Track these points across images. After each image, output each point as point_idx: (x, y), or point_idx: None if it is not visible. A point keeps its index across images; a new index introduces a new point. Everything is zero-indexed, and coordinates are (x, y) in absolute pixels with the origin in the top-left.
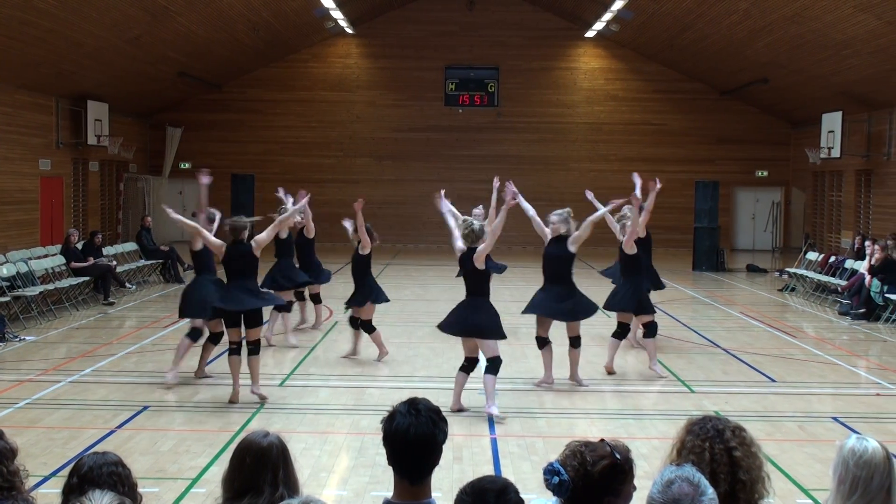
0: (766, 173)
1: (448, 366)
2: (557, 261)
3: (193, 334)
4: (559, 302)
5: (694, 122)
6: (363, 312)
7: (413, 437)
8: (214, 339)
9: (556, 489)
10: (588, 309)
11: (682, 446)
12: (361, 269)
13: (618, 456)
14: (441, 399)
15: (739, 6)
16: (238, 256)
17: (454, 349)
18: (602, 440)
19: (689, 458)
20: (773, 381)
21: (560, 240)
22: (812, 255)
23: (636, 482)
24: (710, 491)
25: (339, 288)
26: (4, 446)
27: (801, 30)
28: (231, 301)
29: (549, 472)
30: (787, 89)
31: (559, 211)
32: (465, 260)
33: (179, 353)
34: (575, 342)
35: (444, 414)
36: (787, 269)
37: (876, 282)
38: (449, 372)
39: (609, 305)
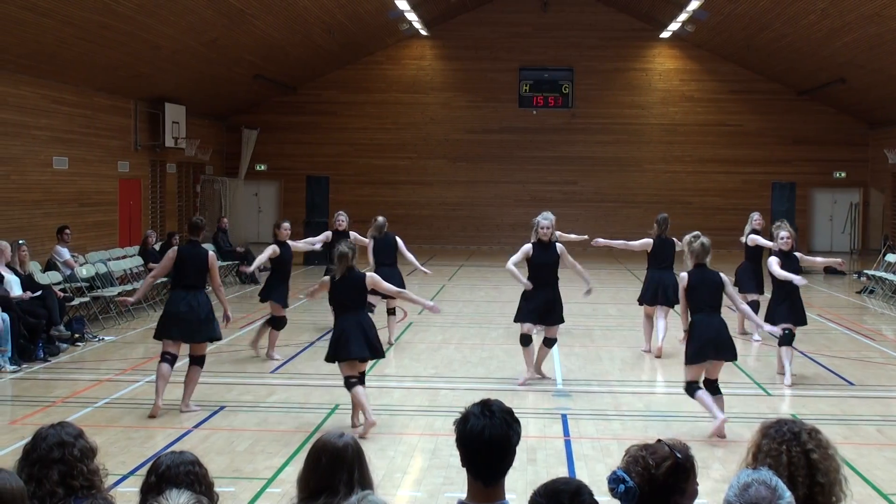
0: (843, 174)
1: (522, 367)
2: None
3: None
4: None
5: (770, 123)
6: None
7: (487, 439)
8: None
9: (622, 497)
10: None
11: (758, 450)
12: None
13: (679, 455)
14: (515, 401)
15: (817, 5)
16: (350, 287)
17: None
18: (659, 440)
19: (766, 462)
20: (852, 384)
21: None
22: (891, 257)
23: (713, 485)
24: (788, 494)
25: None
26: (84, 445)
27: (881, 29)
28: (359, 348)
29: (615, 480)
30: (866, 89)
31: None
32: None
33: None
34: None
35: (517, 415)
36: (865, 272)
37: None
38: (523, 373)
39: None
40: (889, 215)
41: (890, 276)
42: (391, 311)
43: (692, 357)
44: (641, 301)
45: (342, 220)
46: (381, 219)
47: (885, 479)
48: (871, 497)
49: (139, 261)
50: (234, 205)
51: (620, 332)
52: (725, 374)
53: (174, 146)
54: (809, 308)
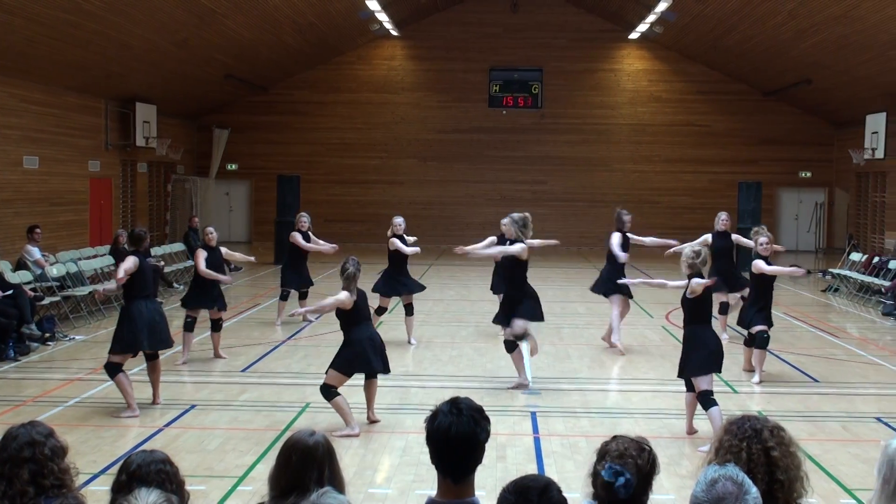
0: (809, 174)
1: (492, 365)
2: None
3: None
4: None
5: (737, 124)
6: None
7: (454, 436)
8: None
9: (621, 489)
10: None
11: (720, 446)
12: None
13: (648, 446)
14: (486, 399)
15: (785, 7)
16: (362, 303)
17: (498, 348)
18: (616, 437)
19: (727, 458)
20: (817, 381)
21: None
22: (855, 256)
23: (680, 481)
24: (754, 490)
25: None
26: (55, 445)
27: (847, 30)
28: (378, 364)
29: (615, 473)
30: (831, 90)
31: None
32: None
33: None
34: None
35: (486, 413)
36: (830, 270)
37: None
38: (493, 372)
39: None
40: (853, 214)
41: (854, 275)
42: (378, 311)
43: (707, 367)
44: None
45: (304, 220)
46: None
47: (849, 474)
48: (835, 492)
49: (110, 260)
50: (205, 204)
51: (589, 329)
52: None
53: (145, 146)
54: (775, 307)
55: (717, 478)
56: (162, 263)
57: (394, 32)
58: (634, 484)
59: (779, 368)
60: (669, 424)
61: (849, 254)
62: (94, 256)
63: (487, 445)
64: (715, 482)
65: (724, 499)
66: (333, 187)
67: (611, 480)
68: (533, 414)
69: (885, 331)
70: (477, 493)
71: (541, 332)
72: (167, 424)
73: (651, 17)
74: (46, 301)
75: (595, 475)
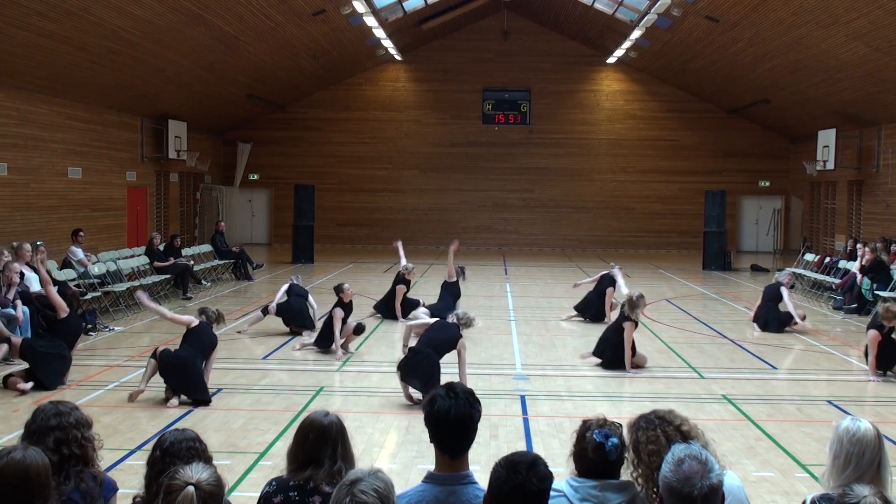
0: (767, 183)
1: (486, 353)
2: None
3: None
4: None
5: (704, 138)
6: None
7: (452, 418)
8: None
9: (613, 450)
10: None
11: (637, 443)
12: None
13: (620, 425)
14: (479, 384)
15: (744, 35)
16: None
17: (490, 339)
18: (587, 419)
19: (648, 448)
20: (775, 368)
21: None
22: (809, 257)
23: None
24: (717, 466)
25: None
26: (80, 416)
27: (799, 56)
28: None
29: (605, 436)
30: (787, 109)
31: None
32: None
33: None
34: None
35: (479, 396)
36: (786, 269)
37: (866, 280)
38: (487, 360)
39: None
40: (807, 220)
41: (808, 273)
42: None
43: None
44: None
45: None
46: None
47: (803, 451)
48: (791, 467)
49: (145, 259)
50: (230, 210)
51: (572, 323)
52: (664, 359)
53: (176, 158)
54: (738, 301)
55: (683, 458)
56: (191, 262)
57: (397, 57)
58: (621, 447)
59: (741, 356)
60: (643, 407)
61: (803, 255)
62: (131, 256)
63: (481, 425)
64: (682, 462)
65: (691, 477)
66: (344, 195)
67: (601, 441)
68: (522, 397)
69: (836, 323)
70: (471, 467)
71: (532, 325)
72: (196, 406)
73: (626, 44)
74: (89, 296)
75: (585, 444)
